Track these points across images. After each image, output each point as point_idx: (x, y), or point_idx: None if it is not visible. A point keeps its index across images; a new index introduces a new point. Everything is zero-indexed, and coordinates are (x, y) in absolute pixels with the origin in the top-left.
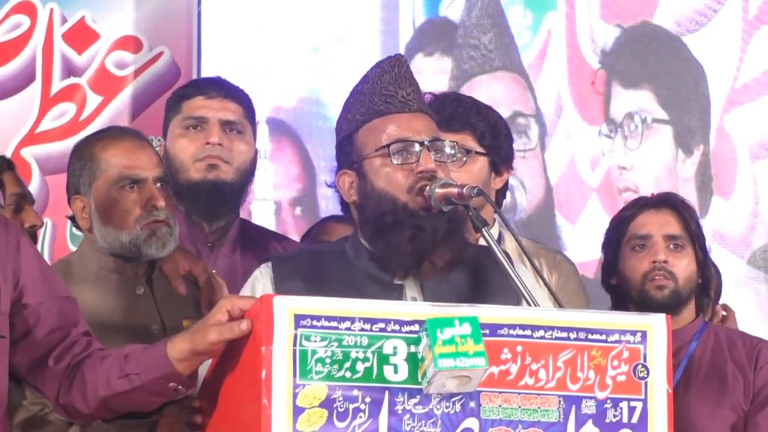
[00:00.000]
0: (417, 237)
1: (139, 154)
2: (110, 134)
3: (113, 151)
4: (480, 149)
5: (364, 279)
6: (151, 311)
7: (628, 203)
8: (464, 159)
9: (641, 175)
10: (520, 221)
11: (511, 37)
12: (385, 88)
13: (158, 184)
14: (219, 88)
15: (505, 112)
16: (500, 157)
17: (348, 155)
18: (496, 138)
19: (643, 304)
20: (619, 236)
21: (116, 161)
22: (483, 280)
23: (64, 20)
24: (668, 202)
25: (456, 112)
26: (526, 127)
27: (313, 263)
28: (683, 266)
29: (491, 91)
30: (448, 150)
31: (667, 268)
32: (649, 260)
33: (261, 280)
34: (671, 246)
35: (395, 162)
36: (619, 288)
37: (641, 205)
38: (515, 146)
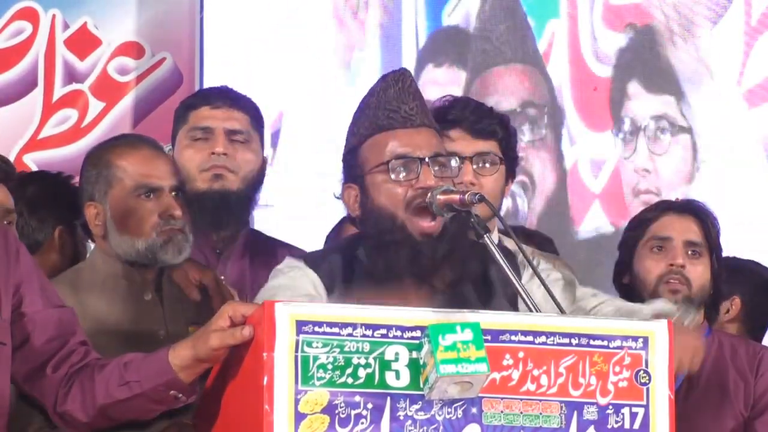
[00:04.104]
0: (416, 260)
1: (156, 163)
2: (126, 142)
3: (130, 160)
4: (501, 157)
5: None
6: (159, 317)
7: (650, 205)
8: (497, 167)
9: (662, 178)
10: (527, 217)
11: (526, 28)
12: (388, 102)
13: (174, 194)
14: (225, 97)
15: (515, 103)
16: (513, 165)
17: (352, 169)
18: (512, 147)
19: None
20: (637, 236)
21: (133, 170)
22: (503, 282)
23: (66, 26)
24: (692, 208)
25: (481, 120)
26: (537, 117)
27: (345, 259)
28: (699, 273)
29: (503, 83)
30: (453, 164)
31: (683, 273)
32: (666, 263)
33: (306, 276)
34: (690, 252)
35: (395, 178)
36: (631, 288)
37: (664, 208)
38: (526, 137)
